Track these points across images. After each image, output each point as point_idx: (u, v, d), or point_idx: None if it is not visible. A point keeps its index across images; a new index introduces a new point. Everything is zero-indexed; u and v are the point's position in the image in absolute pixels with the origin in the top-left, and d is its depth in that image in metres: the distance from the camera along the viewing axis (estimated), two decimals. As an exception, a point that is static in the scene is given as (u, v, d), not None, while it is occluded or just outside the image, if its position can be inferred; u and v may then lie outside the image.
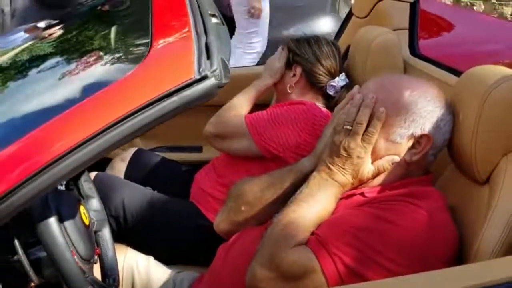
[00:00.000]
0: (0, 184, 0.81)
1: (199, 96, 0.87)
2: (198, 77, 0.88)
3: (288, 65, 1.90)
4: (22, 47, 1.46)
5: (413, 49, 1.95)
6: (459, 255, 1.17)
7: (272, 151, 1.72)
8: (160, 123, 0.88)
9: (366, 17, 2.15)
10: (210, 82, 0.88)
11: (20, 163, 0.83)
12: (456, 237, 1.17)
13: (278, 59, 1.90)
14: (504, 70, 1.24)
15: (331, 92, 1.83)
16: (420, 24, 2.07)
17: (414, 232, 1.11)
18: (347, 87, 1.83)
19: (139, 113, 0.85)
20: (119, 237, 1.60)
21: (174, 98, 0.87)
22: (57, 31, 1.47)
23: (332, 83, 1.83)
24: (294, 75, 1.87)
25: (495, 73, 1.21)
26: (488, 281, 0.91)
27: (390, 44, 1.84)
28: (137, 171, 2.17)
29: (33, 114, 0.94)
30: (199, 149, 2.39)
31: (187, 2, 1.10)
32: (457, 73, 1.67)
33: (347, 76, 1.88)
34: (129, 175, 2.15)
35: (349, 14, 2.28)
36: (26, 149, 0.84)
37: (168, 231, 1.82)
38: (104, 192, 1.73)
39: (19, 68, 1.32)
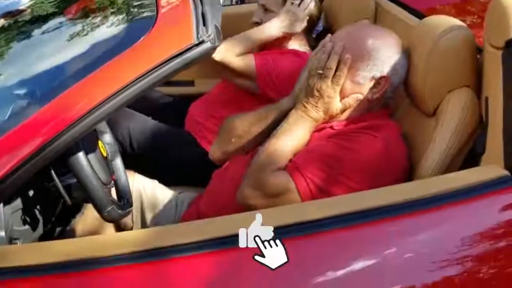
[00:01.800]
0: (49, 131, 1.05)
1: (198, 57, 1.09)
2: (196, 42, 1.09)
3: None
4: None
5: (384, -9, 2.12)
6: (411, 174, 1.44)
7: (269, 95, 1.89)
8: (167, 80, 1.11)
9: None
10: (207, 45, 1.10)
11: (58, 116, 1.07)
12: (407, 160, 1.43)
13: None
14: (452, 21, 1.44)
15: (314, 35, 2.03)
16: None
17: (371, 156, 1.36)
18: (326, 30, 2.03)
19: (151, 72, 1.07)
20: (125, 161, 1.75)
21: (178, 60, 1.09)
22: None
23: (317, 28, 2.02)
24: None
25: (444, 24, 1.42)
26: (421, 195, 1.15)
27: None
28: (135, 103, 2.39)
29: (63, 75, 1.17)
30: (191, 83, 2.58)
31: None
32: (418, 15, 1.88)
33: (325, 17, 2.08)
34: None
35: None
36: (63, 105, 1.07)
37: (168, 156, 2.04)
38: (113, 120, 1.93)
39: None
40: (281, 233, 1.08)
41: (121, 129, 2.05)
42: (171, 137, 2.13)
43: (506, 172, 1.17)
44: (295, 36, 2.01)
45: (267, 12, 2.06)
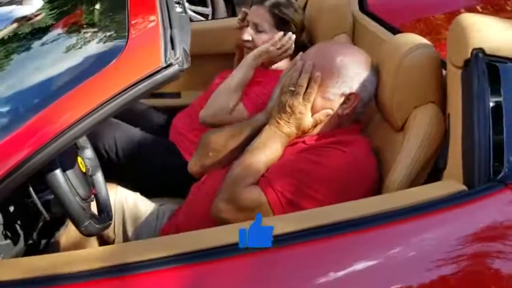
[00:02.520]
0: (22, 151, 1.10)
1: (166, 79, 1.14)
2: (164, 65, 1.14)
3: (284, 30, 1.99)
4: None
5: (362, 5, 2.17)
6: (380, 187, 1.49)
7: None
8: (137, 101, 1.16)
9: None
10: (174, 68, 1.14)
11: (36, 133, 1.12)
12: (376, 174, 1.48)
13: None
14: (418, 39, 1.50)
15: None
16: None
17: (338, 171, 1.41)
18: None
19: (120, 94, 1.12)
20: (110, 171, 1.80)
21: (147, 82, 1.13)
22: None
23: None
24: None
25: (410, 42, 1.48)
26: (385, 209, 1.20)
27: (340, 4, 2.09)
28: (122, 114, 2.44)
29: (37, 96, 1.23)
30: (178, 95, 2.63)
31: (156, -6, 1.35)
32: (394, 31, 1.93)
33: (306, 31, 2.13)
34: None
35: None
36: (39, 123, 1.12)
37: (152, 166, 2.08)
38: (99, 130, 1.97)
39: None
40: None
41: (107, 138, 2.09)
42: (155, 147, 2.18)
43: (464, 187, 1.22)
44: None
45: (259, 32, 2.07)
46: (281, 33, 1.97)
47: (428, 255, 1.16)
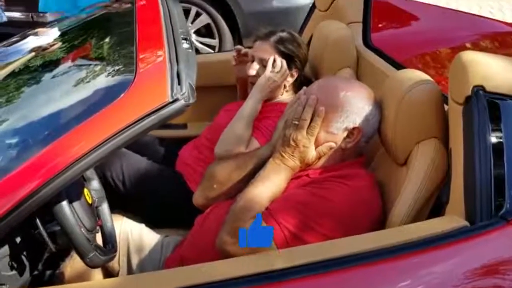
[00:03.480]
0: (32, 182, 1.12)
1: (172, 114, 1.17)
2: (171, 100, 1.17)
3: (288, 64, 2.02)
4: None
5: (366, 40, 2.21)
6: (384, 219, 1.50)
7: None
8: (143, 135, 1.19)
9: (326, 10, 2.40)
10: (180, 103, 1.18)
11: (46, 165, 1.14)
12: (379, 209, 1.49)
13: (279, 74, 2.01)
14: (420, 75, 1.53)
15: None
16: (377, 15, 2.33)
17: (342, 204, 1.42)
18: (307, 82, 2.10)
19: (128, 128, 1.16)
20: (117, 199, 1.83)
21: (153, 117, 1.16)
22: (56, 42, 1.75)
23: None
24: (292, 77, 2.06)
25: (412, 78, 1.51)
26: (389, 243, 1.22)
27: (344, 39, 2.13)
28: (129, 144, 2.46)
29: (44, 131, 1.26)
30: (184, 126, 2.66)
31: (164, 31, 1.39)
32: (396, 65, 1.97)
33: (310, 66, 2.17)
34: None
35: (313, 7, 2.53)
36: (49, 156, 1.15)
37: (158, 197, 2.09)
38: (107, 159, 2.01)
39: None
40: (251, 281, 1.14)
41: (115, 167, 2.12)
42: (162, 178, 2.19)
43: (466, 223, 1.23)
44: (288, 84, 2.07)
45: (265, 67, 2.07)
46: (272, 58, 2.01)
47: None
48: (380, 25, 2.30)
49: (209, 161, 1.95)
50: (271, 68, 2.00)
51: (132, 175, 2.14)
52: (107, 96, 1.24)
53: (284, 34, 2.09)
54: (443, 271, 1.20)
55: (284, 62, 2.02)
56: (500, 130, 1.28)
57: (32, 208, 1.17)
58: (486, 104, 1.28)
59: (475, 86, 1.30)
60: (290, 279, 1.18)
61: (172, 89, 1.19)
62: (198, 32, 4.62)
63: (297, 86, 2.09)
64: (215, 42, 4.60)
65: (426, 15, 2.42)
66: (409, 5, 2.50)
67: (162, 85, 1.20)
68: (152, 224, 1.95)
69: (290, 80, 2.07)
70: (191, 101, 1.21)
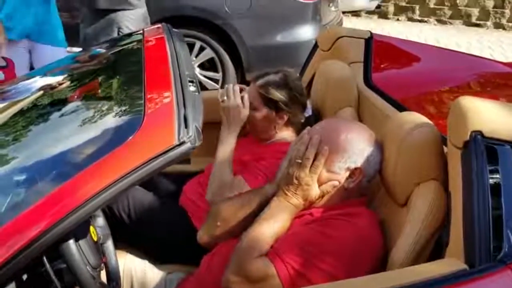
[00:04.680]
0: (41, 223, 1.15)
1: (178, 157, 1.21)
2: (177, 143, 1.21)
3: (274, 109, 2.06)
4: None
5: (367, 80, 2.26)
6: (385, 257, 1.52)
7: None
8: (150, 177, 1.23)
9: (329, 50, 2.46)
10: (187, 146, 1.22)
11: (55, 206, 1.18)
12: (380, 247, 1.51)
13: (243, 107, 2.03)
14: (420, 118, 1.57)
15: (302, 121, 2.11)
16: (378, 55, 2.39)
17: (346, 242, 1.45)
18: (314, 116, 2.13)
19: (135, 171, 1.19)
20: (122, 232, 1.85)
21: (160, 159, 1.21)
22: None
23: (305, 115, 2.13)
24: (281, 119, 2.08)
25: (413, 121, 1.55)
26: (390, 286, 1.24)
27: (345, 79, 2.17)
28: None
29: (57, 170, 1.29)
30: (188, 161, 2.66)
31: (171, 74, 1.43)
32: (397, 106, 2.01)
33: (312, 105, 2.21)
34: None
35: (315, 46, 2.59)
36: (59, 196, 1.18)
37: (162, 231, 2.11)
38: None
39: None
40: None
41: (121, 199, 2.15)
42: (166, 212, 2.21)
43: (465, 266, 1.25)
44: (279, 126, 2.10)
45: (252, 109, 2.10)
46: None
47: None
48: (381, 65, 2.35)
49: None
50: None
51: (137, 208, 2.17)
52: (116, 137, 1.28)
53: (271, 78, 2.10)
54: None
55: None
56: (498, 174, 1.31)
57: (41, 248, 1.20)
58: (484, 149, 1.32)
59: (473, 131, 1.33)
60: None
61: (179, 132, 1.23)
62: (202, 66, 4.70)
63: (295, 125, 2.13)
64: (218, 76, 4.68)
65: (425, 55, 2.48)
66: (408, 45, 2.56)
67: (169, 128, 1.24)
68: (155, 259, 1.96)
69: (280, 122, 2.09)
70: (197, 144, 1.25)
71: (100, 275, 1.54)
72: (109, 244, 1.70)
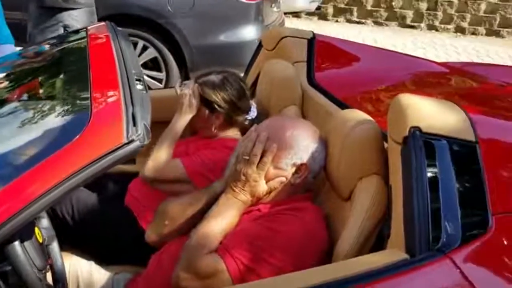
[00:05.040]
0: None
1: (127, 155, 1.21)
2: (126, 141, 1.21)
3: (209, 109, 2.11)
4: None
5: (310, 79, 2.31)
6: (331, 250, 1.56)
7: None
8: (99, 176, 1.22)
9: (273, 49, 2.50)
10: (136, 144, 1.22)
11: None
12: (325, 240, 1.56)
13: (193, 96, 2.10)
14: (362, 115, 1.63)
15: (246, 123, 2.15)
16: (321, 55, 2.45)
17: (293, 236, 1.49)
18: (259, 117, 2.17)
19: (84, 169, 1.18)
20: (66, 234, 1.81)
21: (109, 157, 1.20)
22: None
23: (248, 117, 2.16)
24: (218, 119, 2.12)
25: (353, 118, 1.61)
26: (333, 278, 1.27)
27: (289, 78, 2.22)
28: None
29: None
30: (133, 161, 2.61)
31: (118, 72, 1.43)
32: (339, 103, 2.07)
33: (258, 105, 2.24)
34: None
35: (260, 46, 2.62)
36: (3, 198, 1.16)
37: (107, 232, 2.08)
38: None
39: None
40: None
41: (65, 201, 2.11)
42: (111, 213, 2.19)
43: (406, 256, 1.31)
44: (216, 126, 2.14)
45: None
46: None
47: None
48: (323, 65, 2.41)
49: (158, 195, 1.98)
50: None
51: (81, 209, 2.14)
52: (62, 136, 1.27)
53: (211, 78, 2.15)
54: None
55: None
56: (435, 168, 1.37)
57: None
58: (423, 144, 1.38)
59: (412, 127, 1.40)
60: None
61: (128, 131, 1.22)
62: (144, 65, 4.65)
63: (237, 125, 2.16)
64: (162, 75, 4.65)
65: (364, 55, 2.57)
66: (348, 46, 2.64)
67: (117, 126, 1.23)
68: (101, 260, 1.94)
69: (216, 122, 2.13)
70: (146, 142, 1.25)
71: (46, 277, 1.51)
72: (55, 246, 1.67)
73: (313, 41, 2.42)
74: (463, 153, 1.41)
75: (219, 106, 2.10)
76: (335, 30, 8.41)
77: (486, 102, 2.07)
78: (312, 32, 2.49)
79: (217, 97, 2.10)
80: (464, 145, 1.41)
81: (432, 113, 1.45)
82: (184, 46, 4.49)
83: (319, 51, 2.39)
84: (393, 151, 1.48)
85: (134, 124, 1.25)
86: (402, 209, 1.37)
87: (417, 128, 1.40)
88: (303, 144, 1.60)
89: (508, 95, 2.28)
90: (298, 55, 2.39)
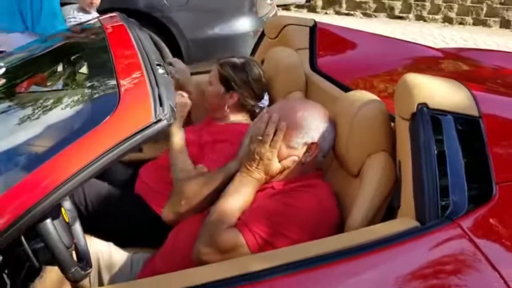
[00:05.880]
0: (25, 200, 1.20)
1: (155, 134, 1.29)
2: (154, 120, 1.29)
3: (226, 86, 2.20)
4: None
5: (313, 65, 2.40)
6: (341, 226, 1.65)
7: None
8: (129, 153, 1.29)
9: (275, 38, 2.58)
10: (163, 123, 1.29)
11: (39, 184, 1.22)
12: (338, 215, 1.64)
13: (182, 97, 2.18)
14: (369, 95, 1.72)
15: (257, 110, 2.23)
16: (322, 42, 2.53)
17: (307, 211, 1.57)
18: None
19: (116, 147, 1.25)
20: (82, 224, 1.80)
21: (139, 136, 1.27)
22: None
23: (260, 105, 2.24)
24: (232, 98, 2.20)
25: (362, 98, 1.69)
26: (349, 245, 1.35)
27: (293, 64, 2.30)
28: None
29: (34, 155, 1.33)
30: (140, 150, 2.69)
31: (140, 57, 1.50)
32: (343, 87, 2.15)
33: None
34: None
35: (262, 34, 2.70)
36: (42, 174, 1.23)
37: (121, 219, 2.15)
38: None
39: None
40: (228, 283, 1.26)
41: (78, 193, 2.17)
42: (123, 201, 2.25)
43: (417, 223, 1.40)
44: (230, 106, 2.21)
45: (209, 84, 2.27)
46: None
47: (388, 282, 1.32)
48: (324, 51, 2.49)
49: (168, 181, 2.05)
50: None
51: (94, 200, 2.19)
52: (94, 118, 1.34)
53: (232, 59, 2.24)
54: (398, 268, 1.35)
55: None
56: (442, 142, 1.46)
57: (21, 229, 1.24)
58: (430, 119, 1.47)
59: (419, 104, 1.49)
60: (264, 280, 1.28)
61: (156, 110, 1.30)
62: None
63: (248, 109, 2.24)
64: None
65: (363, 41, 2.65)
66: (348, 33, 2.72)
67: (146, 106, 1.31)
68: (117, 245, 2.01)
69: (230, 101, 2.21)
70: (173, 121, 1.32)
71: (72, 255, 1.58)
72: (77, 226, 1.74)
73: (314, 28, 2.50)
74: (468, 128, 1.50)
75: (236, 84, 2.18)
76: (324, 22, 8.47)
77: (484, 82, 2.17)
78: (314, 20, 2.57)
79: (236, 76, 2.18)
80: (469, 120, 1.50)
81: (438, 91, 1.53)
82: (180, 39, 4.54)
83: (320, 38, 2.47)
84: (401, 127, 1.57)
85: (161, 104, 1.32)
86: (412, 181, 1.46)
87: (424, 105, 1.49)
88: (314, 124, 1.68)
89: (502, 76, 2.38)
90: (301, 43, 2.47)
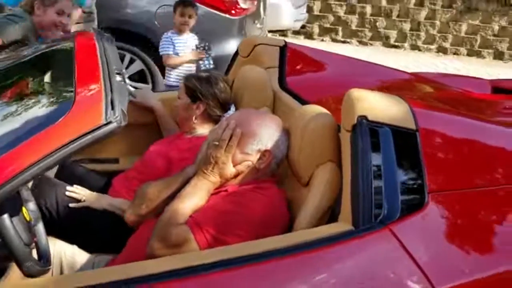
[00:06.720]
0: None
1: (106, 134, 1.38)
2: (105, 122, 1.39)
3: (192, 98, 2.33)
4: None
5: (281, 83, 2.51)
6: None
7: None
8: (79, 153, 1.39)
9: (247, 56, 2.70)
10: (113, 125, 1.39)
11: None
12: (287, 218, 1.73)
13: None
14: (320, 109, 1.82)
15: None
16: (291, 62, 2.64)
17: (257, 211, 1.66)
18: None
19: (66, 146, 1.35)
20: (51, 227, 1.92)
21: (89, 136, 1.37)
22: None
23: (226, 115, 2.34)
24: (198, 109, 2.32)
25: (313, 111, 1.79)
26: (286, 245, 1.44)
27: (261, 81, 2.42)
28: (64, 178, 2.61)
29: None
30: (116, 161, 2.80)
31: (100, 66, 1.61)
32: (305, 103, 2.25)
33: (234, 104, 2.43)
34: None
35: (236, 53, 2.82)
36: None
37: (90, 226, 2.23)
38: (43, 189, 2.17)
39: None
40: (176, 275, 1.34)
41: (50, 197, 2.25)
42: (95, 210, 2.31)
43: (351, 227, 1.48)
44: (197, 117, 2.33)
45: (179, 98, 2.40)
46: None
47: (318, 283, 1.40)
48: (293, 70, 2.60)
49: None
50: None
51: (65, 205, 2.27)
52: (49, 119, 1.44)
53: (195, 74, 2.43)
54: (331, 266, 1.43)
55: None
56: (379, 151, 1.56)
57: None
58: (368, 131, 1.57)
59: (359, 116, 1.58)
60: (209, 272, 1.37)
61: (106, 113, 1.40)
62: (131, 78, 4.83)
63: (214, 120, 2.33)
64: (148, 87, 4.82)
65: (332, 62, 2.76)
66: (317, 54, 2.84)
67: (97, 110, 1.41)
68: (84, 249, 2.08)
69: (197, 112, 2.32)
70: (123, 123, 1.42)
71: (31, 252, 1.66)
72: (40, 227, 1.81)
73: (284, 48, 2.62)
74: (404, 139, 1.59)
75: (201, 94, 2.31)
76: (320, 48, 8.63)
77: (436, 100, 2.27)
78: (284, 40, 2.69)
79: (201, 86, 2.31)
80: (405, 132, 1.60)
81: (378, 105, 1.63)
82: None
83: (290, 58, 2.58)
84: (344, 138, 1.66)
85: (113, 108, 1.42)
86: (350, 188, 1.55)
87: (364, 117, 1.58)
88: (267, 132, 1.79)
89: (461, 97, 2.48)
90: (271, 61, 2.59)
